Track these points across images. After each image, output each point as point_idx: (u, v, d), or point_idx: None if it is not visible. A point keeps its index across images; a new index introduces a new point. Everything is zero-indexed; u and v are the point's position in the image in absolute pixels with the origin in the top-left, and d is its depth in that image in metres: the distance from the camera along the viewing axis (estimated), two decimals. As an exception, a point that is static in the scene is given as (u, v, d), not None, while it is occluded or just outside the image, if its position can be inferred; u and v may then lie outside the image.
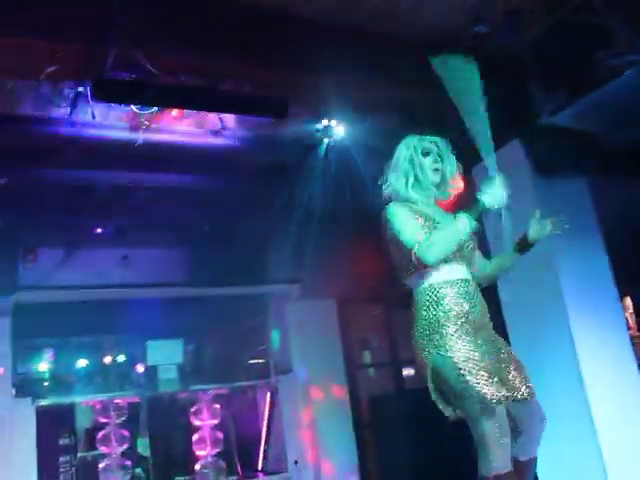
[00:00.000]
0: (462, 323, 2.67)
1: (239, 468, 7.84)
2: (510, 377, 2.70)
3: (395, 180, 2.93)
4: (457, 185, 3.01)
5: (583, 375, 4.59)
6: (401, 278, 2.87)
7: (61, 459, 7.25)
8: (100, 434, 7.27)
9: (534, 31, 4.53)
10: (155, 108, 4.46)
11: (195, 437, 7.59)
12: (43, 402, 6.89)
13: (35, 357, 7.87)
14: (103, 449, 7.25)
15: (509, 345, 2.93)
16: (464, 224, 2.63)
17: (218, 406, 7.78)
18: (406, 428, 7.47)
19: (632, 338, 6.37)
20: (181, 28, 4.15)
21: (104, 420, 7.34)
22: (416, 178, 2.90)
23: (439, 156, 2.94)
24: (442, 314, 2.69)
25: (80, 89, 4.38)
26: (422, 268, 2.72)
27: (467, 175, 5.64)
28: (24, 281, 6.51)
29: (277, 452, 7.80)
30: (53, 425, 7.18)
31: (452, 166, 2.97)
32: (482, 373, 2.56)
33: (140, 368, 7.98)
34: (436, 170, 2.92)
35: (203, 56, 4.23)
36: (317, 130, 4.93)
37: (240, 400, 8.49)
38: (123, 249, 6.84)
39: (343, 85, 4.73)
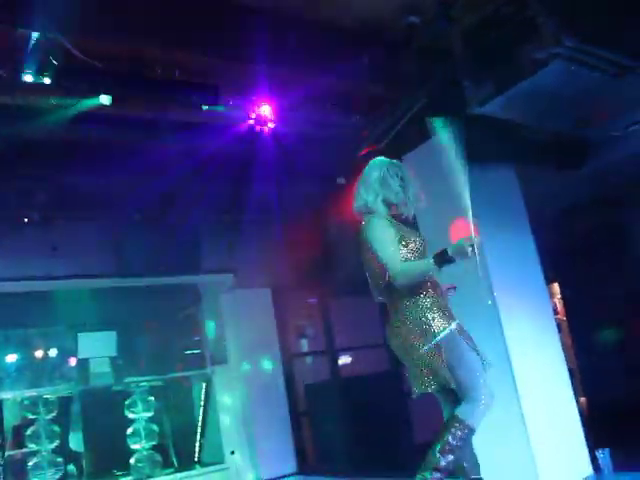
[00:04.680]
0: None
1: (175, 460, 7.76)
2: None
3: (366, 196, 3.45)
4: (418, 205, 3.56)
5: (511, 361, 4.69)
6: (374, 283, 3.39)
7: (-13, 458, 7.01)
8: (29, 431, 7.07)
9: (465, 22, 4.61)
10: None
11: (130, 430, 7.47)
12: (-33, 398, 6.65)
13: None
14: (33, 446, 7.05)
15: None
16: (430, 267, 3.17)
17: (152, 398, 7.68)
18: (341, 414, 7.56)
19: (559, 323, 6.60)
20: (111, 13, 4.02)
21: (33, 416, 7.13)
22: (384, 198, 3.42)
23: (402, 180, 3.50)
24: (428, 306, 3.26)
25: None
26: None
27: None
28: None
29: (213, 443, 7.76)
30: (-21, 423, 6.94)
31: (413, 189, 3.53)
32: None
33: (71, 361, 7.79)
34: (398, 194, 3.44)
35: (132, 42, 4.12)
36: (250, 118, 4.88)
37: (175, 392, 8.40)
38: (51, 239, 6.61)
39: (277, 73, 4.70)
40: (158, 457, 7.44)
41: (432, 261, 3.16)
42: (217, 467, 7.47)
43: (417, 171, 5.38)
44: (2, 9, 3.81)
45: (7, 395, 7.42)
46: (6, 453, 7.18)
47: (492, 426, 4.65)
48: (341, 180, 6.15)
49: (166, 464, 7.57)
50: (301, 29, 4.68)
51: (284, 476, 7.36)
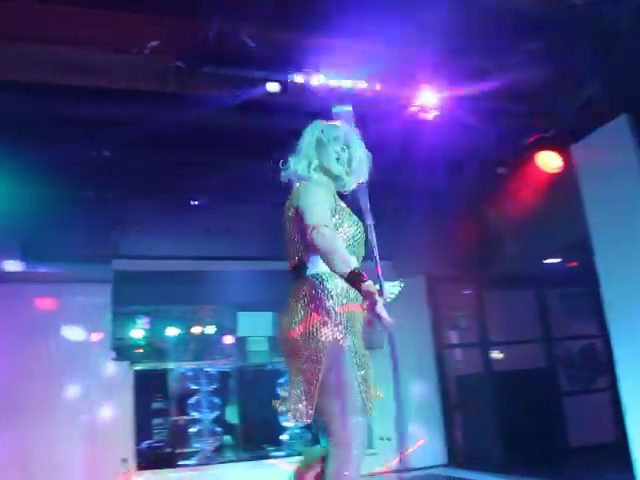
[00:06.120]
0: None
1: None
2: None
3: (294, 164, 2.81)
4: (364, 173, 2.82)
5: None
6: (289, 255, 2.76)
7: (155, 421, 7.57)
8: (192, 400, 7.54)
9: (635, 2, 4.27)
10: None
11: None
12: (139, 366, 7.20)
13: (132, 324, 8.20)
14: (194, 414, 7.52)
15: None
16: (346, 268, 2.42)
17: (305, 379, 7.87)
18: (493, 409, 7.37)
19: None
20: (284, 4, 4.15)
21: (195, 387, 7.60)
22: (320, 164, 2.80)
23: (346, 145, 2.82)
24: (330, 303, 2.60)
25: (179, 63, 4.46)
26: (311, 251, 2.59)
27: (566, 151, 5.50)
28: (124, 250, 6.77)
29: (363, 428, 7.82)
30: (148, 389, 7.48)
31: (360, 154, 2.83)
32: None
33: (230, 339, 8.20)
34: (338, 160, 2.80)
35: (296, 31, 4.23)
36: (412, 104, 4.84)
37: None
38: (224, 221, 6.97)
39: (442, 60, 4.61)
40: (309, 436, 7.63)
41: (352, 268, 2.39)
42: (366, 452, 7.51)
43: (586, 161, 5.16)
44: (183, 3, 4.07)
45: (172, 366, 7.98)
46: (171, 418, 7.74)
47: None
48: (501, 170, 5.97)
49: (315, 444, 7.73)
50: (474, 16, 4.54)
51: (433, 466, 7.29)
